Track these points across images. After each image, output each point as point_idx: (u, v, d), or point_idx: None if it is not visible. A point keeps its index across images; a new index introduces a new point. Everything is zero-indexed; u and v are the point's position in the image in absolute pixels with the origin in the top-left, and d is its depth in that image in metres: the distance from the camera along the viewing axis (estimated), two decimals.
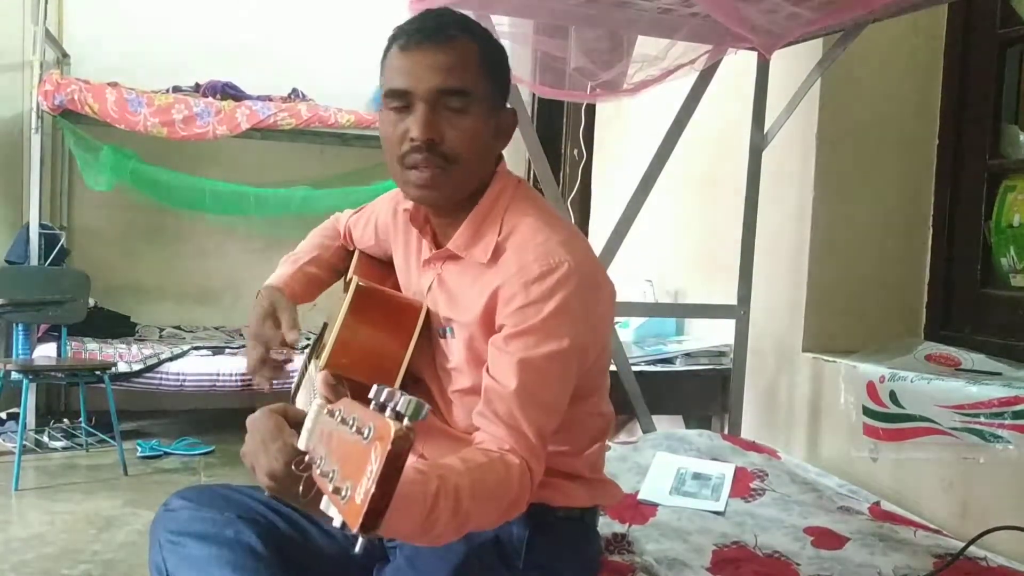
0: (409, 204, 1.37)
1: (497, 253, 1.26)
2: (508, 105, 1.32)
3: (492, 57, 1.28)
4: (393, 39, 1.26)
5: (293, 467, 0.93)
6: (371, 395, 0.82)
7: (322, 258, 1.60)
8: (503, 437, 1.15)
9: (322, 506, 0.85)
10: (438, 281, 1.33)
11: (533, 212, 1.28)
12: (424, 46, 1.22)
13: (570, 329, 1.19)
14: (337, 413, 0.86)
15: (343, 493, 0.78)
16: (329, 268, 1.61)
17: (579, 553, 1.39)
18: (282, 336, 1.37)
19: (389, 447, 0.74)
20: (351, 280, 1.39)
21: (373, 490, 0.74)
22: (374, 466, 0.75)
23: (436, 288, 1.33)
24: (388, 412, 0.79)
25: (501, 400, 1.16)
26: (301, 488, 0.91)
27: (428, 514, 0.98)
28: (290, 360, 1.40)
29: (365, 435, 0.78)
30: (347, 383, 1.20)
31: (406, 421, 0.77)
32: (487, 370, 1.21)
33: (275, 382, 1.40)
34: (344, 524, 0.79)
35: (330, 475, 0.82)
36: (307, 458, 0.90)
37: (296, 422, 1.01)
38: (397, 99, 1.23)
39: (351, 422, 0.81)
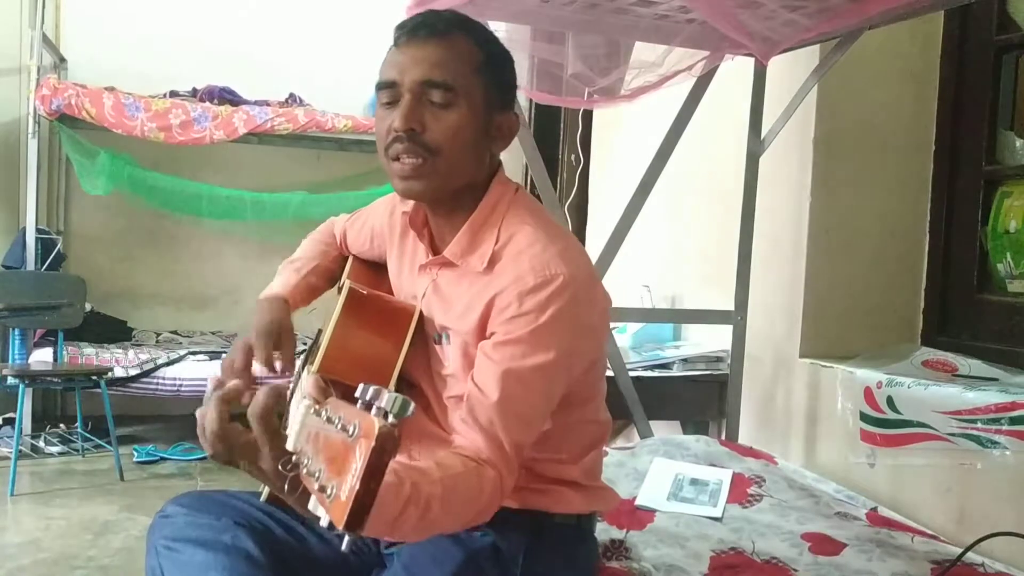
0: (407, 206, 1.37)
1: (494, 262, 1.25)
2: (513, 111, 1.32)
3: (490, 59, 1.28)
4: (393, 36, 1.28)
5: (280, 466, 0.92)
6: (357, 394, 0.81)
7: (322, 266, 1.59)
8: (481, 446, 1.16)
9: (310, 506, 0.85)
10: (433, 287, 1.33)
11: (531, 220, 1.28)
12: (415, 40, 1.24)
13: (558, 342, 1.19)
14: (324, 412, 0.85)
15: (329, 492, 0.78)
16: (327, 276, 1.61)
17: (576, 560, 1.39)
18: (270, 355, 1.36)
19: (373, 443, 0.74)
20: (343, 284, 1.39)
21: (357, 487, 0.74)
22: (358, 464, 0.75)
23: (431, 294, 1.33)
24: (374, 410, 0.79)
25: (482, 408, 1.17)
26: (287, 486, 0.91)
27: (395, 519, 0.99)
28: (257, 383, 1.39)
29: (350, 433, 0.78)
30: (340, 388, 1.19)
31: (391, 419, 0.77)
32: (472, 376, 1.21)
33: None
34: (331, 524, 0.79)
35: (316, 474, 0.82)
36: (294, 458, 0.90)
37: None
38: (386, 92, 1.25)
39: (336, 420, 0.81)
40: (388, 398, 0.78)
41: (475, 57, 1.25)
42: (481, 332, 1.24)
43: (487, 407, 1.16)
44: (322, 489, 0.79)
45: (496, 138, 1.30)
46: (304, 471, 0.86)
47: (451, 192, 1.28)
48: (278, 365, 1.37)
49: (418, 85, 1.22)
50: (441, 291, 1.32)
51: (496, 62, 1.29)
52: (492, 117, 1.28)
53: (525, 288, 1.19)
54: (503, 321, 1.20)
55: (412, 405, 0.79)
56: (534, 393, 1.20)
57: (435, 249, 1.35)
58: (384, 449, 0.74)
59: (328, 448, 0.82)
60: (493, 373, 1.17)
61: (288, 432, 0.94)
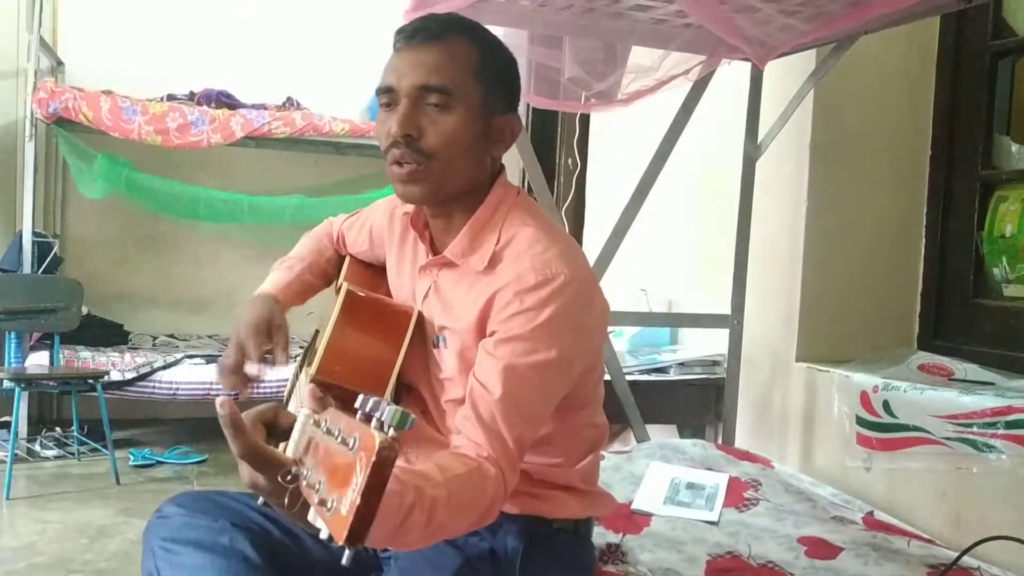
0: (408, 208, 1.37)
1: (494, 261, 1.26)
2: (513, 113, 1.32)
3: (491, 62, 1.28)
4: (393, 41, 1.29)
5: (280, 478, 0.91)
6: (357, 405, 0.81)
7: (317, 264, 1.59)
8: (482, 443, 1.15)
9: (309, 517, 0.84)
10: (434, 288, 1.33)
11: (532, 222, 1.28)
12: (413, 45, 1.25)
13: (559, 341, 1.19)
14: (323, 423, 0.85)
15: (329, 505, 0.78)
16: (323, 274, 1.60)
17: (574, 564, 1.39)
18: (263, 351, 1.36)
19: (374, 458, 0.73)
20: (341, 286, 1.38)
21: (358, 502, 0.74)
22: (359, 478, 0.74)
23: (432, 295, 1.33)
24: (373, 422, 0.78)
25: (485, 404, 1.17)
26: (287, 499, 0.90)
27: (400, 525, 0.97)
28: (261, 379, 1.39)
29: (351, 446, 0.77)
30: (338, 391, 1.19)
31: (391, 431, 0.76)
32: (474, 373, 1.21)
33: (254, 391, 1.39)
34: (331, 537, 0.78)
35: (316, 487, 0.81)
36: (294, 469, 0.89)
37: (287, 427, 0.98)
38: (384, 96, 1.26)
39: (337, 433, 0.81)
40: (388, 411, 0.78)
41: (473, 60, 1.26)
42: (480, 330, 1.24)
43: (490, 402, 1.16)
44: (322, 503, 0.78)
45: (497, 141, 1.30)
46: (304, 483, 0.85)
47: (450, 195, 1.28)
48: (279, 357, 1.37)
49: (415, 90, 1.23)
50: (441, 292, 1.32)
51: (496, 63, 1.29)
52: (492, 119, 1.28)
53: (526, 286, 1.19)
54: (504, 319, 1.20)
55: (412, 417, 0.78)
56: (535, 390, 1.20)
57: (436, 251, 1.35)
58: (385, 463, 0.74)
59: (328, 460, 0.82)
60: (495, 369, 1.17)
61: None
